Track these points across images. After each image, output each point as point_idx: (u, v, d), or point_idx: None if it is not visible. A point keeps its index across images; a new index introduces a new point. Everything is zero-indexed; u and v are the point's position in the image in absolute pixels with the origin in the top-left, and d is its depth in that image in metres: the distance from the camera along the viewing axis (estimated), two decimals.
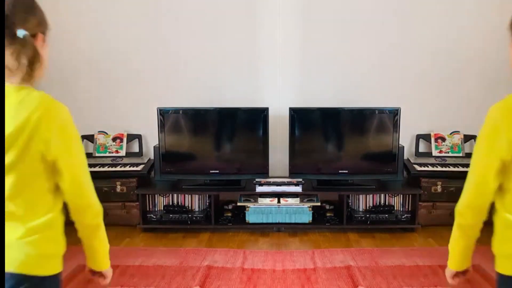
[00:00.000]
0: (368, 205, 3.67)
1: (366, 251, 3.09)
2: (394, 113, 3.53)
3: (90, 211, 1.48)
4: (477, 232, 1.58)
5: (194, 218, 3.56)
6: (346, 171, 3.56)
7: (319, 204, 3.51)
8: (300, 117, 3.57)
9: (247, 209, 3.52)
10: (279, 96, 3.90)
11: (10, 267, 1.25)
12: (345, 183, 3.63)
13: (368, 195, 3.65)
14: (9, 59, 1.25)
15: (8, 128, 1.21)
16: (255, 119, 3.56)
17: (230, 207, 3.64)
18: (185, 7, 3.86)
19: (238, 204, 3.53)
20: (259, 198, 3.53)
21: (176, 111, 3.57)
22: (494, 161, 1.33)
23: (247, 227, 3.57)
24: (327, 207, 3.64)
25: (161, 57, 3.91)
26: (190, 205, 3.68)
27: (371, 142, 3.56)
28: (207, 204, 3.62)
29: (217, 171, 3.59)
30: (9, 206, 1.27)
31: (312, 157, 3.63)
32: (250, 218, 3.52)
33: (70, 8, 3.91)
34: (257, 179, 3.63)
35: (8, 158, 1.22)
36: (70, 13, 3.91)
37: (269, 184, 3.58)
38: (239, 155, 3.63)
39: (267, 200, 3.52)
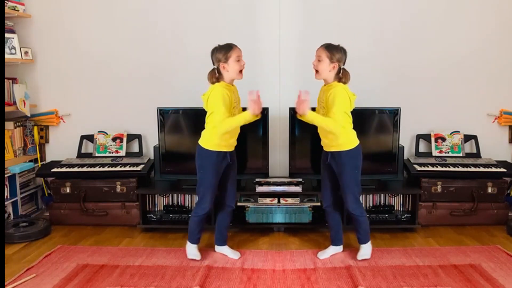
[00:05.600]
0: (368, 205, 3.67)
1: None
2: (394, 113, 3.53)
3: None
4: None
5: None
6: None
7: (319, 204, 3.51)
8: None
9: (247, 209, 3.52)
10: (279, 96, 3.90)
11: None
12: None
13: (368, 195, 3.65)
14: None
15: None
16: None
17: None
18: (185, 8, 3.87)
19: (238, 204, 3.53)
20: (259, 198, 3.53)
21: (176, 111, 3.57)
22: None
23: (247, 227, 3.57)
24: (324, 207, 3.63)
25: (161, 57, 3.91)
26: (190, 205, 3.68)
27: (371, 142, 3.56)
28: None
29: None
30: None
31: (312, 157, 3.63)
32: (250, 218, 3.53)
33: (70, 8, 3.91)
34: (257, 179, 3.63)
35: None
36: (70, 13, 3.92)
37: (269, 184, 3.58)
38: (239, 155, 3.62)
39: (267, 200, 3.52)
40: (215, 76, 2.83)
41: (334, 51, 2.77)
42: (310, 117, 2.76)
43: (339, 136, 2.77)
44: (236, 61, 2.78)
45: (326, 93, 2.80)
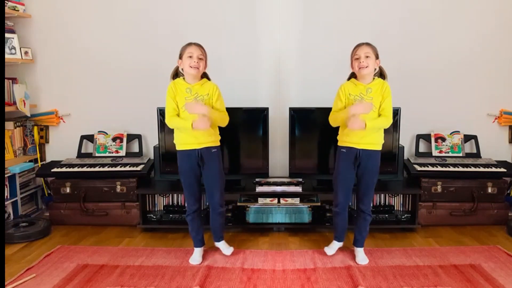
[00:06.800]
0: None
1: (366, 251, 3.09)
2: (394, 113, 3.51)
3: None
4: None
5: None
6: None
7: (319, 204, 3.51)
8: (300, 117, 3.57)
9: (247, 209, 3.52)
10: (279, 96, 3.90)
11: None
12: None
13: None
14: None
15: None
16: (255, 119, 3.56)
17: (230, 207, 3.64)
18: (185, 8, 3.87)
19: (238, 204, 3.53)
20: (259, 198, 3.53)
21: None
22: None
23: (247, 227, 3.57)
24: (327, 207, 3.64)
25: (161, 57, 3.90)
26: None
27: None
28: (207, 204, 3.62)
29: None
30: None
31: (312, 157, 3.63)
32: (250, 218, 3.53)
33: (70, 8, 3.91)
34: (257, 179, 3.63)
35: None
36: (70, 13, 3.92)
37: (269, 184, 3.58)
38: (239, 155, 3.63)
39: (267, 200, 3.52)
40: (173, 73, 2.96)
41: (375, 48, 2.86)
42: (369, 126, 2.77)
43: (381, 131, 2.87)
44: (187, 57, 2.83)
45: (378, 91, 2.83)
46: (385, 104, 2.83)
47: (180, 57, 2.86)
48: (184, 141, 2.87)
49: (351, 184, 2.95)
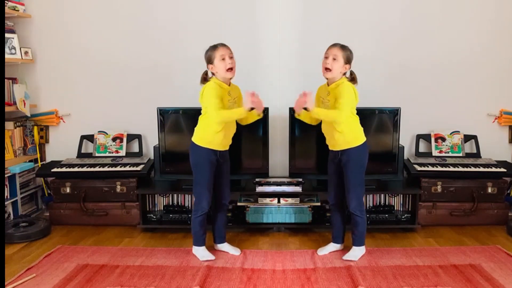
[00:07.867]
0: (368, 205, 3.66)
1: (366, 251, 3.09)
2: (394, 113, 3.53)
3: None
4: None
5: None
6: None
7: (319, 204, 3.51)
8: None
9: (247, 209, 3.52)
10: (279, 96, 3.90)
11: None
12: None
13: (368, 195, 3.65)
14: None
15: None
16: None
17: (230, 207, 3.63)
18: (185, 8, 3.87)
19: (238, 204, 3.53)
20: (259, 198, 3.53)
21: (176, 111, 3.57)
22: None
23: (247, 227, 3.57)
24: (327, 207, 3.64)
25: (161, 57, 3.91)
26: (190, 205, 3.68)
27: (371, 142, 3.53)
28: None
29: None
30: None
31: (312, 157, 3.63)
32: (250, 218, 3.52)
33: (70, 8, 3.91)
34: (257, 179, 3.63)
35: None
36: (70, 13, 3.92)
37: (269, 184, 3.58)
38: (239, 155, 3.63)
39: (267, 200, 3.52)
40: (205, 76, 2.90)
41: (349, 52, 2.82)
42: (315, 111, 2.79)
43: (345, 130, 2.82)
44: (220, 60, 2.79)
45: (334, 91, 2.84)
46: (339, 100, 2.79)
47: (210, 62, 2.82)
48: (220, 142, 2.88)
49: (335, 182, 3.01)
